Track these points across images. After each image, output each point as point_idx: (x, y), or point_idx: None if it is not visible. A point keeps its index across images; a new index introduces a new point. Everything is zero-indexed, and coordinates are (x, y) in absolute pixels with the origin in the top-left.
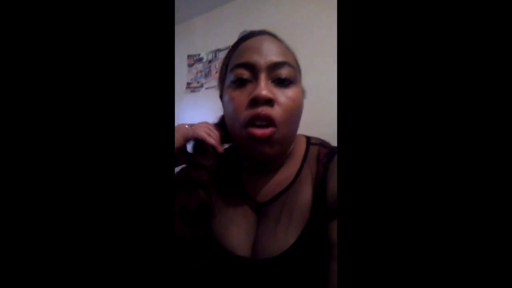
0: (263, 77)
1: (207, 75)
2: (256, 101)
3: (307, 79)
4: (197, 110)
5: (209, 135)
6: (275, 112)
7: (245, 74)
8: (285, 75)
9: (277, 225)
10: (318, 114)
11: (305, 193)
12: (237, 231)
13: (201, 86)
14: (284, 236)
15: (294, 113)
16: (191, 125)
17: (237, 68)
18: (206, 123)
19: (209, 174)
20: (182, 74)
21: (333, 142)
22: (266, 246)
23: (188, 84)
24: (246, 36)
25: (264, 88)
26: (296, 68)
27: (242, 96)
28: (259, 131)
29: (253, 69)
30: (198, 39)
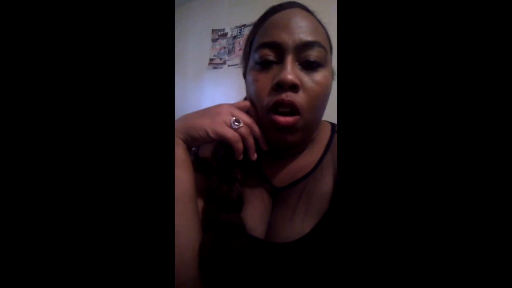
0: (289, 60)
1: (230, 51)
2: (281, 86)
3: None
4: (219, 88)
5: (246, 139)
6: (300, 98)
7: (271, 55)
8: (314, 57)
9: (294, 212)
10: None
11: (326, 182)
12: (252, 212)
13: (224, 63)
14: (301, 223)
15: (320, 99)
16: (233, 110)
17: (262, 47)
18: (250, 121)
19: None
20: (205, 49)
21: None
22: (281, 231)
23: (211, 60)
24: (274, 9)
25: (290, 73)
26: (327, 48)
27: (266, 79)
28: (282, 119)
29: (280, 49)
30: (223, 13)
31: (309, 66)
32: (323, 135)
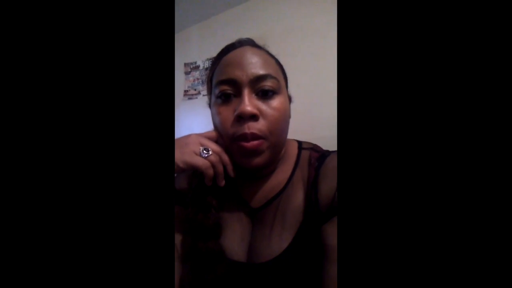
0: (246, 92)
1: (203, 82)
2: (242, 117)
3: (304, 81)
4: (195, 116)
5: (215, 166)
6: (261, 125)
7: (229, 89)
8: (268, 87)
9: (271, 230)
10: (318, 116)
11: (298, 197)
12: (232, 236)
13: (198, 93)
14: (278, 240)
15: (281, 123)
16: (201, 139)
17: (220, 84)
18: (219, 149)
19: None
20: (179, 82)
21: (333, 144)
22: (260, 251)
23: (186, 91)
24: (227, 49)
25: (248, 104)
26: (279, 78)
27: (227, 111)
28: (248, 144)
29: (236, 84)
30: (194, 48)
31: (265, 94)
32: (291, 153)
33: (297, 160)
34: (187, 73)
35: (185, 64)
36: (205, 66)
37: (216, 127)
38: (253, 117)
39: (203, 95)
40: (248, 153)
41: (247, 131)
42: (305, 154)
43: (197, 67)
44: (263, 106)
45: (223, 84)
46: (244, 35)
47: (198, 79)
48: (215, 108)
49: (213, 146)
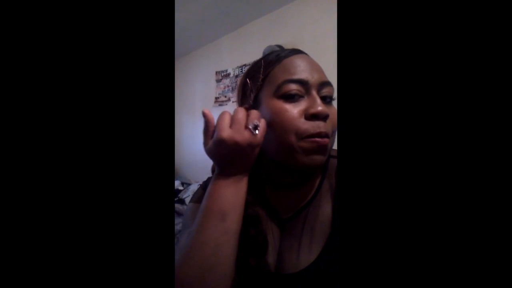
0: (316, 94)
1: (233, 89)
2: (315, 116)
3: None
4: None
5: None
6: (328, 126)
7: (296, 89)
8: (329, 93)
9: (299, 241)
10: None
11: (326, 207)
12: None
13: (228, 99)
14: (307, 251)
15: (336, 127)
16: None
17: (289, 83)
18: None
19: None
20: (211, 89)
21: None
22: (288, 262)
23: (216, 98)
24: (286, 54)
25: (321, 105)
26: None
27: (296, 110)
28: (321, 140)
29: (306, 85)
30: (226, 56)
31: (325, 100)
32: None
33: (325, 169)
34: (218, 80)
35: (217, 72)
36: (236, 74)
37: (272, 126)
38: (325, 118)
39: (233, 102)
40: (317, 150)
41: (323, 129)
42: (333, 162)
43: (228, 75)
44: (327, 109)
45: (293, 83)
46: (273, 43)
47: (228, 86)
48: (278, 105)
49: (263, 125)
